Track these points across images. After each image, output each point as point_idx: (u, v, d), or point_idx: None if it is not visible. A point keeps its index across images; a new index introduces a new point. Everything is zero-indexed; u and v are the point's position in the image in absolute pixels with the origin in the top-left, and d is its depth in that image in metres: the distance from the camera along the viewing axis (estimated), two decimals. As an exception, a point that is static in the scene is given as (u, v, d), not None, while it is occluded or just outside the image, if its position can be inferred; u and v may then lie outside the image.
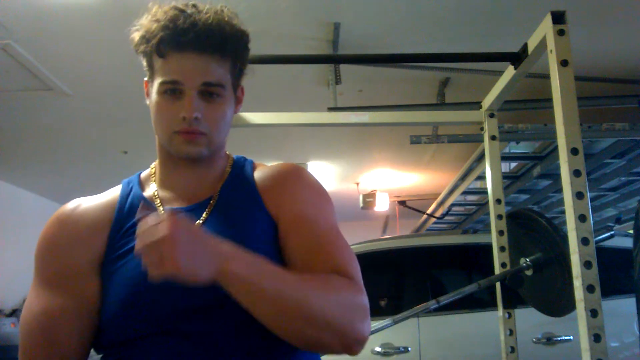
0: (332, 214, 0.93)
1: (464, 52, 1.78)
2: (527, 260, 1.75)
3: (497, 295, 1.79)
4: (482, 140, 1.95)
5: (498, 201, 1.84)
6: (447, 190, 4.23)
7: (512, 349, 1.73)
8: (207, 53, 0.86)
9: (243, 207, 0.91)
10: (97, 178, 5.30)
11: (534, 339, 2.76)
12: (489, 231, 1.90)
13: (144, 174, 1.02)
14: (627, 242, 2.88)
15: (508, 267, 1.79)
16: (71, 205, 0.96)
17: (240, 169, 0.98)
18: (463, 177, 3.77)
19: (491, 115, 1.91)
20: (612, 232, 2.43)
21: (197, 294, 0.76)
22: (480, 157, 3.28)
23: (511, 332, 1.74)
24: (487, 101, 1.89)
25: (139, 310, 0.81)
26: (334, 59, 2.62)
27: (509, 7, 2.33)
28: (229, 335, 0.81)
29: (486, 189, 1.95)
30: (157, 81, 0.88)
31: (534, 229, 1.77)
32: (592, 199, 3.76)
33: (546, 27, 1.36)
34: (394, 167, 4.93)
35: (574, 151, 1.25)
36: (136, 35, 0.91)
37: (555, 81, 1.30)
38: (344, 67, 2.83)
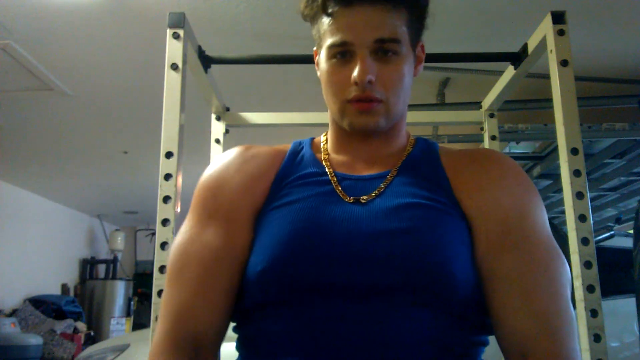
0: (551, 234, 0.76)
1: (464, 52, 1.78)
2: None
3: (497, 295, 1.79)
4: (482, 140, 1.95)
5: (498, 201, 1.84)
6: (447, 190, 4.22)
7: (512, 349, 1.72)
8: (378, 4, 0.74)
9: (423, 187, 0.77)
10: (97, 178, 5.30)
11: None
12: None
13: (316, 139, 0.91)
14: (627, 242, 2.88)
15: (508, 267, 1.79)
16: (242, 148, 0.86)
17: (424, 149, 0.85)
18: (463, 177, 3.76)
19: (491, 115, 1.91)
20: (612, 232, 2.43)
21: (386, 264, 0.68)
22: (480, 157, 3.27)
23: (511, 332, 1.74)
24: (487, 101, 1.89)
25: (297, 260, 0.69)
26: (334, 59, 2.61)
27: (509, 7, 2.33)
28: (404, 315, 0.67)
29: (486, 189, 1.94)
30: (324, 44, 0.78)
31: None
32: (592, 199, 3.76)
33: (546, 27, 1.36)
34: (394, 167, 4.93)
35: (574, 151, 1.25)
36: (302, 1, 0.81)
37: (555, 81, 1.30)
38: (344, 67, 2.83)
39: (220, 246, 0.75)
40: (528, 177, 0.80)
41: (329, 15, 0.76)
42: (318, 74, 0.84)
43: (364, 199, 0.76)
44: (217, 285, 0.73)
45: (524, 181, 0.79)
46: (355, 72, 0.74)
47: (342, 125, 0.81)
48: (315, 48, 0.85)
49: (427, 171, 0.80)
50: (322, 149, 0.87)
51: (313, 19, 0.80)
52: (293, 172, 0.81)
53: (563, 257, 0.75)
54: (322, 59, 0.80)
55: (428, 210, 0.73)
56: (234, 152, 0.86)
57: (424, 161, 0.82)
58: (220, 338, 0.76)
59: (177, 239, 0.78)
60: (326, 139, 0.89)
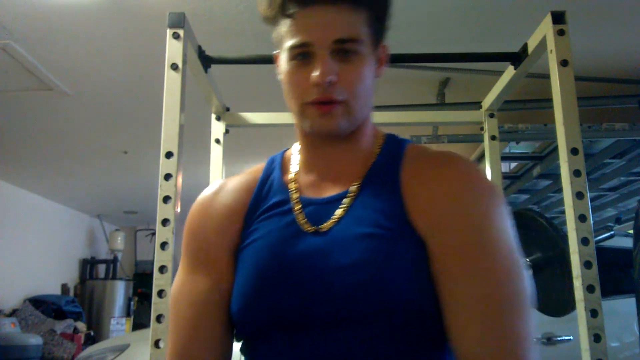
0: (514, 245, 0.71)
1: (464, 52, 1.78)
2: (527, 260, 1.75)
3: (497, 295, 1.78)
4: (482, 140, 1.95)
5: (498, 201, 1.84)
6: (447, 190, 4.22)
7: (512, 349, 1.72)
8: (338, 4, 0.73)
9: (377, 211, 0.75)
10: (97, 178, 5.30)
11: (534, 339, 2.76)
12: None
13: (288, 151, 0.91)
14: (627, 242, 2.88)
15: (508, 267, 1.79)
16: (213, 188, 0.88)
17: (391, 154, 0.82)
18: (463, 177, 3.76)
19: (491, 115, 1.91)
20: (612, 232, 2.43)
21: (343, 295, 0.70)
22: (480, 157, 3.28)
23: (511, 332, 1.74)
24: (487, 101, 1.89)
25: (262, 300, 0.73)
26: (334, 59, 2.62)
27: (509, 7, 2.33)
28: (350, 345, 0.70)
29: (486, 189, 1.94)
30: (285, 46, 0.77)
31: (534, 229, 1.77)
32: (592, 199, 3.76)
33: (546, 27, 1.36)
34: (394, 167, 4.92)
35: (574, 151, 1.25)
36: (261, 3, 0.81)
37: (555, 81, 1.30)
38: (344, 67, 2.83)
39: (207, 289, 0.79)
40: (485, 181, 0.76)
41: (288, 16, 0.76)
42: (279, 77, 0.83)
43: (323, 228, 0.76)
44: (209, 326, 0.78)
45: (479, 189, 0.74)
46: (316, 73, 0.73)
47: (304, 128, 0.80)
48: (275, 52, 0.84)
49: (386, 189, 0.77)
50: (293, 164, 0.87)
51: (273, 21, 0.80)
52: (261, 204, 0.82)
53: (521, 269, 0.72)
54: (282, 61, 0.79)
55: (381, 242, 0.72)
56: (210, 191, 0.88)
57: (385, 173, 0.80)
58: None
59: (173, 284, 0.84)
60: (298, 150, 0.88)
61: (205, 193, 0.88)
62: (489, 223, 0.72)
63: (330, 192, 0.80)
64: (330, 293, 0.70)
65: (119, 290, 6.50)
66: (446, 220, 0.72)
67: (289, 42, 0.76)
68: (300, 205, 0.79)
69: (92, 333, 5.74)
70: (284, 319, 0.72)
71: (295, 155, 0.88)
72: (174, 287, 0.83)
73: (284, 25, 0.77)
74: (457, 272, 0.70)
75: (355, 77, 0.75)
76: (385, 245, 0.72)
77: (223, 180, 0.90)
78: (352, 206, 0.77)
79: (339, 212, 0.77)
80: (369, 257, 0.71)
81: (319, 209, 0.78)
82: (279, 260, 0.75)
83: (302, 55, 0.75)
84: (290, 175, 0.85)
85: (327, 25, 0.73)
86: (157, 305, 1.15)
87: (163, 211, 1.20)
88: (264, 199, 0.83)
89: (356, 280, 0.70)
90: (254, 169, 0.89)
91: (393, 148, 0.83)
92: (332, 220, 0.76)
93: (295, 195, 0.81)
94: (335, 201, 0.78)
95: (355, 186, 0.79)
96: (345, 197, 0.78)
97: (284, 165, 0.88)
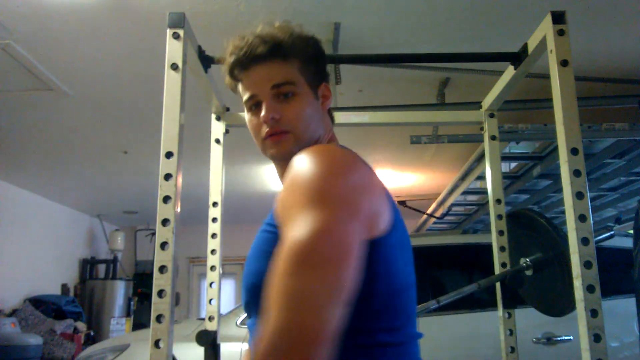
0: (299, 220, 0.69)
1: (464, 52, 1.78)
2: (527, 260, 1.75)
3: (497, 295, 1.79)
4: (482, 140, 1.95)
5: (498, 201, 1.85)
6: (447, 190, 4.23)
7: (512, 349, 1.73)
8: (268, 61, 0.93)
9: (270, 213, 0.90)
10: (97, 178, 5.30)
11: (534, 339, 2.76)
12: (489, 231, 1.90)
13: None
14: (627, 242, 2.88)
15: (508, 267, 1.79)
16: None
17: None
18: (463, 177, 3.77)
19: (491, 115, 1.91)
20: (612, 232, 2.43)
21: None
22: (480, 157, 3.28)
23: (511, 332, 1.74)
24: (487, 101, 1.90)
25: None
26: (334, 59, 2.61)
27: (509, 7, 2.33)
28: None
29: (486, 189, 1.95)
30: (243, 102, 0.97)
31: (534, 229, 1.77)
32: (592, 199, 3.76)
33: (546, 27, 1.36)
34: (394, 167, 4.93)
35: (574, 151, 1.25)
36: (225, 75, 0.99)
37: (555, 81, 1.30)
38: (344, 67, 2.83)
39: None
40: (303, 162, 0.78)
41: (239, 80, 0.97)
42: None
43: None
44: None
45: (292, 171, 0.79)
46: (262, 114, 0.93)
47: (269, 158, 0.97)
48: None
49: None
50: None
51: (235, 88, 1.00)
52: None
53: (296, 234, 0.67)
54: (245, 113, 0.99)
55: (259, 235, 0.89)
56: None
57: None
58: None
59: (329, 228, 0.69)
60: None
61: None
62: (284, 197, 0.78)
63: None
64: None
65: (119, 290, 6.50)
66: (278, 209, 0.81)
67: (244, 98, 0.97)
68: None
69: (92, 333, 5.74)
70: None
71: None
72: (335, 230, 0.68)
73: (239, 88, 0.98)
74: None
75: (295, 111, 0.93)
76: (260, 237, 0.88)
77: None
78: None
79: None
80: (252, 249, 0.89)
81: None
82: None
83: (254, 105, 0.95)
84: None
85: (264, 77, 0.93)
86: (157, 305, 1.15)
87: (163, 211, 1.20)
88: None
89: (246, 271, 0.88)
90: None
91: None
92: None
93: None
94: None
95: None
96: None
97: None
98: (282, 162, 0.95)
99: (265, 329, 0.61)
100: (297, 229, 0.67)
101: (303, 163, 0.78)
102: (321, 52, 1.00)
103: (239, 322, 2.90)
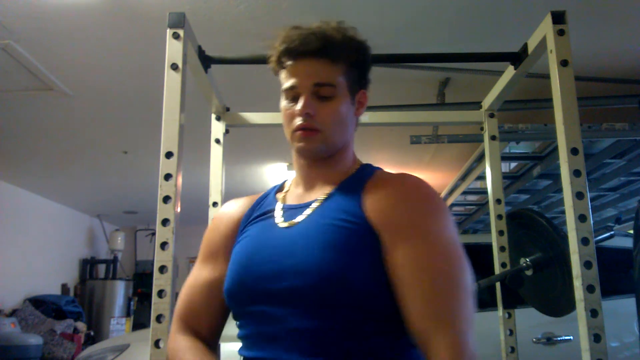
0: (454, 240, 0.90)
1: (464, 52, 1.78)
2: (527, 260, 1.75)
3: (497, 295, 1.79)
4: (482, 140, 1.95)
5: (498, 201, 1.85)
6: (447, 190, 4.23)
7: (512, 349, 1.73)
8: (316, 58, 0.96)
9: (340, 210, 0.94)
10: (97, 178, 5.30)
11: (534, 339, 2.76)
12: (489, 231, 1.90)
13: (288, 180, 1.13)
14: (627, 242, 2.88)
15: (508, 267, 1.79)
16: (231, 202, 1.13)
17: (360, 176, 1.02)
18: (463, 177, 3.77)
19: (491, 115, 1.91)
20: (612, 232, 2.43)
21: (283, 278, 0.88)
22: (480, 157, 3.28)
23: (511, 332, 1.74)
24: (487, 101, 1.90)
25: (238, 288, 0.95)
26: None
27: (509, 7, 2.33)
28: (302, 318, 0.86)
29: (486, 189, 1.95)
30: (282, 89, 1.00)
31: (534, 229, 1.77)
32: (592, 199, 3.76)
33: (546, 27, 1.36)
34: (394, 167, 4.93)
35: (574, 151, 1.25)
36: (269, 59, 1.03)
37: (555, 81, 1.30)
38: (344, 67, 2.82)
39: (207, 276, 1.05)
40: (435, 196, 0.93)
41: (283, 67, 0.99)
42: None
43: (294, 223, 0.96)
44: (204, 301, 1.03)
45: (426, 198, 0.93)
46: (298, 107, 0.96)
47: (294, 149, 1.01)
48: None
49: (349, 196, 0.97)
50: (288, 184, 1.10)
51: (277, 72, 1.03)
52: (253, 213, 1.05)
53: (460, 260, 0.87)
54: (281, 100, 1.01)
55: (341, 230, 0.90)
56: (225, 206, 1.13)
57: (352, 187, 0.99)
58: (216, 330, 1.04)
59: (190, 276, 1.09)
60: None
61: (222, 208, 1.14)
62: (429, 218, 0.90)
63: (308, 199, 1.01)
64: (290, 270, 0.88)
65: (119, 290, 6.51)
66: (393, 212, 0.90)
67: (284, 86, 0.99)
68: (282, 210, 1.01)
69: (92, 333, 5.74)
70: (255, 292, 0.92)
71: (291, 179, 1.11)
72: (190, 277, 1.08)
73: (281, 74, 1.01)
74: (394, 245, 0.87)
75: (329, 113, 0.96)
76: (345, 232, 0.90)
77: (234, 200, 1.13)
78: (319, 207, 0.97)
79: (308, 211, 0.97)
80: (329, 240, 0.89)
81: (296, 211, 0.99)
82: (255, 248, 0.97)
83: (292, 97, 0.98)
84: (283, 191, 1.08)
85: (309, 73, 0.96)
86: (157, 305, 1.15)
87: (163, 211, 1.20)
88: (258, 209, 1.06)
89: (317, 258, 0.87)
90: (259, 193, 1.13)
91: (364, 171, 1.04)
92: (302, 217, 0.97)
93: (280, 204, 1.03)
94: (309, 206, 0.98)
95: (325, 195, 0.99)
96: (315, 201, 0.99)
97: (282, 186, 1.11)
98: (306, 157, 1.02)
99: (459, 348, 0.78)
100: (454, 260, 0.87)
101: (431, 195, 0.93)
102: (368, 58, 1.03)
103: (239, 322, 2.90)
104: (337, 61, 0.97)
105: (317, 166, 1.02)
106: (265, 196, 1.10)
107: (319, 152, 0.99)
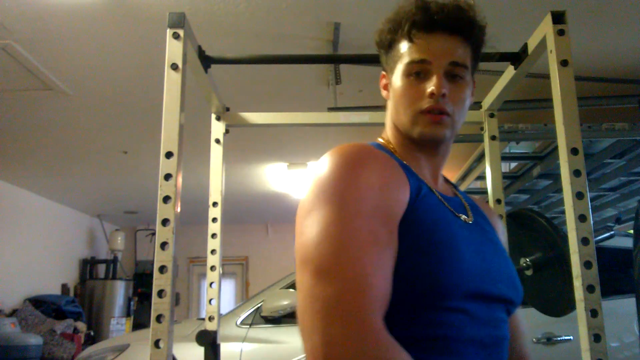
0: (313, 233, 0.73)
1: (464, 52, 1.78)
2: (527, 260, 1.75)
3: (497, 295, 1.79)
4: (482, 140, 1.95)
5: (498, 201, 1.84)
6: (447, 190, 4.22)
7: (512, 349, 1.72)
8: (454, 34, 0.87)
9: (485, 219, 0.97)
10: (97, 178, 5.30)
11: (534, 339, 2.76)
12: (489, 231, 1.89)
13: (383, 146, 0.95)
14: (627, 242, 2.88)
15: (508, 267, 1.79)
16: (375, 151, 0.83)
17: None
18: (463, 177, 3.77)
19: (491, 115, 1.91)
20: (612, 232, 2.43)
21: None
22: (480, 157, 3.27)
23: (511, 332, 1.74)
24: (487, 101, 1.89)
25: (480, 284, 0.81)
26: (334, 59, 2.62)
27: (509, 7, 2.33)
28: (506, 326, 0.88)
29: (486, 189, 1.95)
30: (402, 64, 0.88)
31: (534, 229, 1.77)
32: (592, 199, 3.76)
33: (546, 27, 1.36)
34: (394, 167, 4.92)
35: (574, 151, 1.25)
36: (382, 29, 0.93)
37: (555, 81, 1.30)
38: (343, 67, 2.83)
39: (393, 262, 0.76)
40: (319, 177, 0.78)
41: (410, 40, 0.88)
42: (383, 94, 0.97)
43: (469, 220, 0.89)
44: (387, 287, 0.74)
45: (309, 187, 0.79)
46: (433, 86, 0.84)
47: (411, 135, 0.89)
48: (383, 72, 0.96)
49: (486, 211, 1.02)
50: (407, 164, 0.91)
51: (390, 44, 0.91)
52: (423, 189, 0.85)
53: (307, 264, 0.72)
54: (396, 77, 0.90)
55: (498, 240, 0.95)
56: (378, 152, 0.84)
57: (460, 192, 1.00)
58: None
59: (365, 247, 0.73)
60: (393, 149, 0.94)
61: (373, 151, 0.83)
62: (300, 223, 0.77)
63: (443, 191, 0.94)
64: (508, 275, 0.87)
65: (119, 290, 6.50)
66: None
67: (410, 58, 0.87)
68: (443, 199, 0.88)
69: (92, 333, 5.74)
70: (483, 291, 0.81)
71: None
72: (362, 246, 0.72)
73: (403, 47, 0.89)
74: None
75: (461, 96, 0.88)
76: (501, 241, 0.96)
77: (372, 148, 0.85)
78: (468, 206, 0.94)
79: (465, 208, 0.92)
80: (504, 250, 0.94)
81: (456, 204, 0.91)
82: (475, 240, 0.86)
83: (417, 73, 0.87)
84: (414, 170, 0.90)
85: (445, 49, 0.86)
86: (157, 305, 1.15)
87: (163, 211, 1.20)
88: (422, 184, 0.87)
89: (511, 265, 0.90)
90: (378, 150, 0.85)
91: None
92: (468, 215, 0.91)
93: (434, 190, 0.89)
94: (455, 200, 0.92)
95: (453, 192, 0.97)
96: (460, 199, 0.95)
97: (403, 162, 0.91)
98: (431, 145, 0.90)
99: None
100: (303, 267, 0.77)
101: (312, 190, 0.79)
102: (484, 41, 0.94)
103: (239, 322, 2.90)
104: (469, 41, 0.89)
105: (435, 154, 0.92)
106: (405, 168, 0.88)
107: (446, 139, 0.89)
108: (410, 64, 0.87)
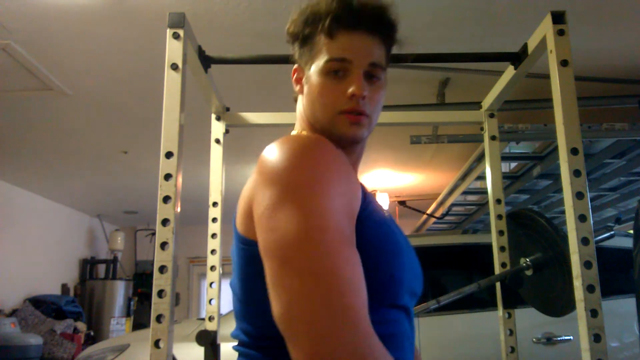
0: (285, 221, 0.69)
1: (464, 52, 1.78)
2: (527, 260, 1.75)
3: (497, 295, 1.79)
4: (482, 140, 1.95)
5: (498, 201, 1.85)
6: (447, 190, 4.23)
7: (512, 349, 1.73)
8: (374, 34, 0.86)
9: None
10: (97, 178, 5.30)
11: (534, 339, 2.76)
12: (489, 231, 1.90)
13: None
14: (627, 242, 2.88)
15: (508, 267, 1.79)
16: (341, 156, 0.80)
17: None
18: (463, 177, 3.77)
19: (491, 115, 1.91)
20: (612, 232, 2.43)
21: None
22: (480, 157, 3.28)
23: (511, 332, 1.74)
24: (487, 101, 1.90)
25: (414, 270, 0.88)
26: (334, 59, 2.61)
27: (509, 7, 2.33)
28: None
29: (486, 189, 1.95)
30: (320, 61, 0.86)
31: (534, 229, 1.77)
32: (592, 199, 3.76)
33: (546, 27, 1.36)
34: (394, 168, 4.93)
35: (574, 151, 1.25)
36: (297, 20, 0.90)
37: (555, 81, 1.30)
38: (344, 67, 2.82)
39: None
40: (268, 161, 0.75)
41: (331, 36, 0.85)
42: (296, 88, 0.93)
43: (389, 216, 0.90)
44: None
45: (257, 172, 0.77)
46: (353, 88, 0.83)
47: (330, 134, 0.86)
48: (296, 66, 0.93)
49: None
50: None
51: (306, 38, 0.88)
52: (364, 190, 0.87)
53: (292, 266, 0.67)
54: (314, 73, 0.87)
55: None
56: (341, 159, 0.80)
57: None
58: None
59: (342, 252, 0.70)
60: None
61: (340, 158, 0.80)
62: (264, 213, 0.73)
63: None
64: (419, 268, 0.91)
65: (119, 290, 6.50)
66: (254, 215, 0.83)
67: (330, 56, 0.84)
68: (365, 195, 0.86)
69: (92, 333, 5.74)
70: (415, 288, 0.87)
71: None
72: (339, 250, 0.69)
73: (320, 43, 0.86)
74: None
75: (377, 97, 0.87)
76: None
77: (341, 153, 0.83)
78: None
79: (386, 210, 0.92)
80: None
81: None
82: (403, 237, 0.87)
83: (336, 71, 0.84)
84: None
85: (366, 49, 0.84)
86: (157, 305, 1.15)
87: (163, 211, 1.20)
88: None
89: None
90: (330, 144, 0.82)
91: None
92: (386, 212, 0.89)
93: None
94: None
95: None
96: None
97: None
98: (349, 145, 0.88)
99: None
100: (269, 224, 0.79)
101: (262, 174, 0.78)
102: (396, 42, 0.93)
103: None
104: (384, 41, 0.88)
105: (353, 152, 0.91)
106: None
107: (363, 139, 0.89)
108: (330, 61, 0.84)
